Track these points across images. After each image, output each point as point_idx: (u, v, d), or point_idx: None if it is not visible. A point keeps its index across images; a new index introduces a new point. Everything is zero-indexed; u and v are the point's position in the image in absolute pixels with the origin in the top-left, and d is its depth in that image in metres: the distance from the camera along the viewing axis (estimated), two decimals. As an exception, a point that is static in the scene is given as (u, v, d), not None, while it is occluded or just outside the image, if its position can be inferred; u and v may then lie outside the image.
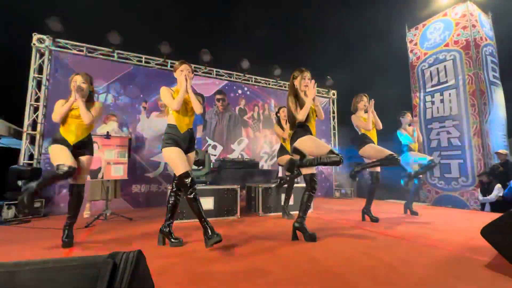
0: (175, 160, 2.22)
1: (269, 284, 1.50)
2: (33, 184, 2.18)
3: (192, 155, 2.46)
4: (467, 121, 5.52)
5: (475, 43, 5.59)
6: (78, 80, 2.44)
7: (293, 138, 2.55)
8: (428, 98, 6.30)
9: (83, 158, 2.44)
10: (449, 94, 5.87)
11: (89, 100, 2.50)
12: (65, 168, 2.19)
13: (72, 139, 2.37)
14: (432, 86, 6.24)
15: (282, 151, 3.83)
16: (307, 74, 2.64)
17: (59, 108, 2.35)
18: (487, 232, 1.88)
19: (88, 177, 3.46)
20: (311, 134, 2.55)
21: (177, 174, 2.22)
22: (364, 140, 3.40)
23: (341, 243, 2.39)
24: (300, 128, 2.54)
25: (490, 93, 5.59)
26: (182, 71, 2.40)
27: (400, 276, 1.60)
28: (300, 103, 2.53)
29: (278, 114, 3.91)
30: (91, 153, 2.54)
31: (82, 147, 2.45)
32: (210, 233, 2.15)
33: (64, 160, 2.23)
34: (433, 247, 2.21)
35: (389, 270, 1.69)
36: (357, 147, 3.47)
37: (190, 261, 1.92)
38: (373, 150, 3.32)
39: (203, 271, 1.71)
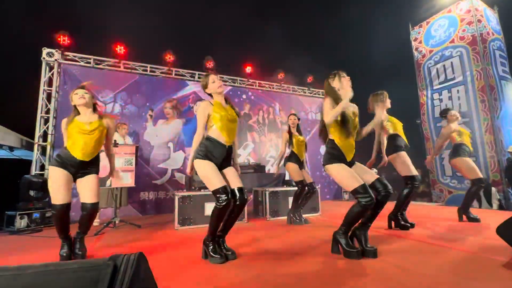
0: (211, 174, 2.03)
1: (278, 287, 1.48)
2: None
3: (233, 168, 2.20)
4: (478, 117, 5.39)
5: (481, 38, 5.49)
6: (79, 92, 2.29)
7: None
8: (436, 95, 6.19)
9: (87, 178, 2.25)
10: (457, 90, 5.76)
11: (94, 110, 2.37)
12: (57, 207, 2.09)
13: (79, 155, 2.18)
14: (440, 83, 6.14)
15: (291, 157, 3.68)
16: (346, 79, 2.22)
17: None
18: (503, 230, 1.81)
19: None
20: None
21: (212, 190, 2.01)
22: (394, 143, 2.93)
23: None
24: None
25: (500, 88, 5.46)
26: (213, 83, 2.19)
27: (414, 277, 1.55)
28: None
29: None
30: (97, 172, 2.34)
31: (88, 166, 2.26)
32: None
33: (57, 197, 2.11)
34: (447, 248, 2.14)
35: (401, 272, 1.64)
36: (387, 150, 3.01)
37: (200, 267, 1.91)
38: (400, 161, 2.86)
39: (212, 277, 1.70)
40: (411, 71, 6.79)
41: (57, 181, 2.12)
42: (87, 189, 2.24)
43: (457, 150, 3.36)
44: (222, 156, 2.10)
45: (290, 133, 3.72)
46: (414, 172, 2.88)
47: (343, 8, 8.10)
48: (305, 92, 7.73)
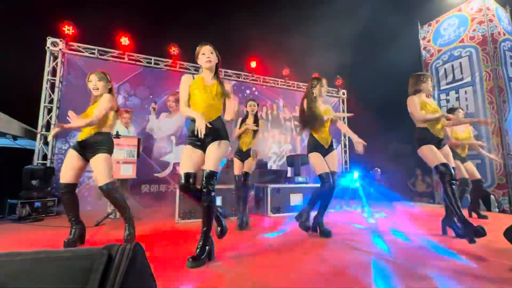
0: (181, 160, 1.94)
1: (275, 282, 1.45)
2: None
3: (212, 146, 1.90)
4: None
5: (492, 38, 5.36)
6: (93, 80, 2.33)
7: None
8: (443, 96, 6.09)
9: (93, 159, 2.22)
10: (465, 91, 5.66)
11: (109, 92, 2.41)
12: (60, 185, 2.21)
13: (80, 136, 2.27)
14: (447, 83, 6.03)
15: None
16: (325, 82, 2.77)
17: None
18: (511, 234, 1.76)
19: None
20: None
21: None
22: (421, 136, 2.57)
23: (352, 244, 2.30)
24: None
25: (510, 89, 5.35)
26: (203, 54, 1.99)
27: (418, 280, 1.51)
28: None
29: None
30: (105, 152, 2.25)
31: (92, 147, 2.23)
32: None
33: (61, 175, 2.21)
34: (453, 250, 2.10)
35: (406, 274, 1.60)
36: (415, 144, 2.63)
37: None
38: (430, 153, 2.48)
39: (210, 271, 1.68)
40: (418, 70, 6.66)
41: (65, 161, 2.26)
42: (94, 171, 2.28)
43: None
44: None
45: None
46: None
47: (350, 5, 7.97)
48: (309, 89, 7.64)
